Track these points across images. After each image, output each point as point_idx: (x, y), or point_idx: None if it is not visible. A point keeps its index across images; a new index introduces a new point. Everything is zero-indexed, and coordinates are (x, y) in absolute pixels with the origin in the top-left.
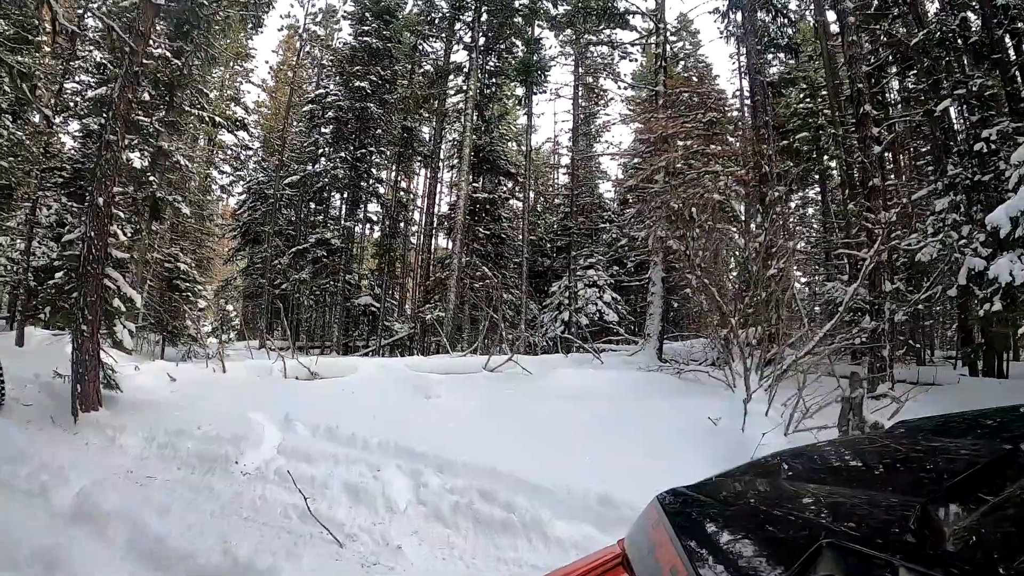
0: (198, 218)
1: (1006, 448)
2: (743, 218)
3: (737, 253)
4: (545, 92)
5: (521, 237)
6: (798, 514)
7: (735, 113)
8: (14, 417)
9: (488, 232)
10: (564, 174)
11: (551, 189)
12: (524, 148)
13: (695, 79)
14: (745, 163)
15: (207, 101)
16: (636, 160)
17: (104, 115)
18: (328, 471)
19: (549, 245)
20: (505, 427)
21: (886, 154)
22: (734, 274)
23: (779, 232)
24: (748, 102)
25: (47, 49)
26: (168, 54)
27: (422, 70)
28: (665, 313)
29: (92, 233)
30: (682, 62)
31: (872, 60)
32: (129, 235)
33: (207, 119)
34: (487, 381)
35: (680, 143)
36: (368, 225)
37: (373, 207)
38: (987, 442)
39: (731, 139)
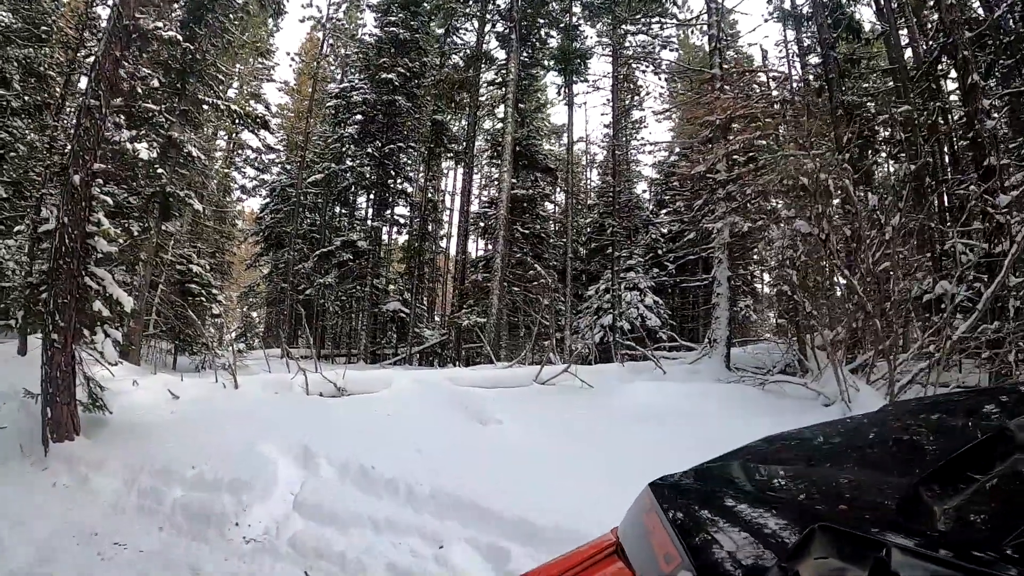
0: (217, 220)
1: (994, 428)
2: (866, 202)
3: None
4: (586, 81)
5: (565, 237)
6: (790, 497)
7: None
8: None
9: (527, 231)
10: (599, 174)
11: (584, 189)
12: (559, 144)
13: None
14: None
15: (223, 90)
16: (678, 152)
17: (87, 76)
18: (365, 543)
19: (583, 248)
20: (589, 468)
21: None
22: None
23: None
24: (795, 85)
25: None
26: (179, 37)
27: (452, 62)
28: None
29: (66, 219)
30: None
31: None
32: (136, 232)
33: (223, 109)
34: (543, 397)
35: (753, 126)
36: (396, 227)
37: (401, 208)
38: (976, 422)
39: (804, 121)
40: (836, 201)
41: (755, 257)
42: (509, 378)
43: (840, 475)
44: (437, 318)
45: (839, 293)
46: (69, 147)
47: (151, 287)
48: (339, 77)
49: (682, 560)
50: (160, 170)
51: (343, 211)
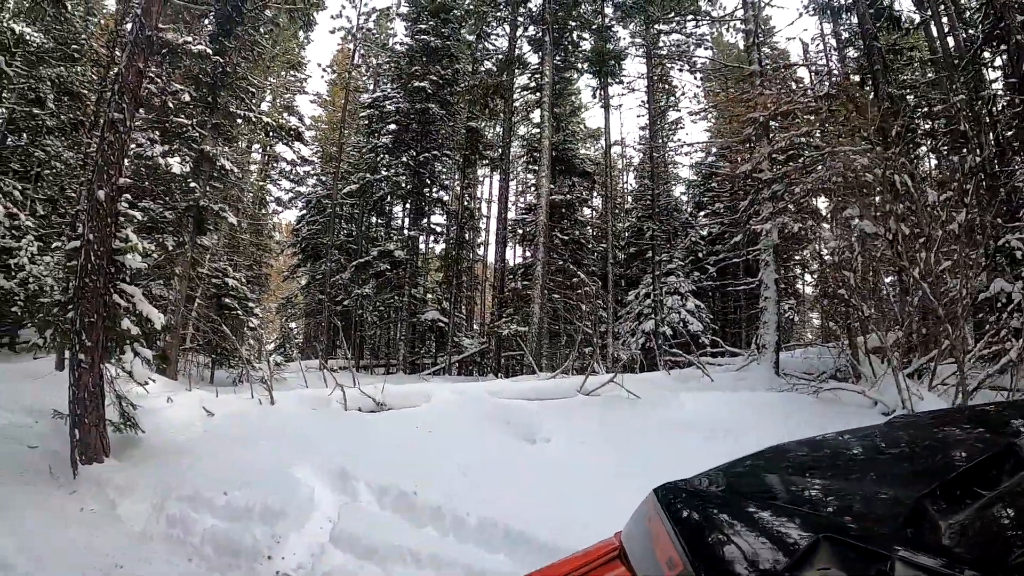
0: (253, 233)
1: (1003, 443)
2: (926, 197)
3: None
4: (621, 83)
5: (604, 242)
6: (795, 507)
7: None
8: (6, 465)
9: (566, 237)
10: (635, 177)
11: (620, 193)
12: (595, 148)
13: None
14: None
15: (256, 103)
16: (716, 152)
17: (110, 89)
18: None
19: (621, 252)
20: (644, 489)
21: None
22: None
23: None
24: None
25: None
26: (209, 51)
27: (484, 68)
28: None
29: (91, 236)
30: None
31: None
32: (171, 247)
33: (255, 121)
34: (589, 410)
35: (797, 122)
36: (432, 236)
37: (437, 217)
38: (984, 437)
39: (850, 116)
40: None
41: (796, 258)
42: (552, 389)
43: (847, 485)
44: (476, 327)
45: (894, 295)
46: (94, 158)
47: (187, 301)
48: (371, 87)
49: (685, 566)
50: (193, 184)
51: (379, 221)
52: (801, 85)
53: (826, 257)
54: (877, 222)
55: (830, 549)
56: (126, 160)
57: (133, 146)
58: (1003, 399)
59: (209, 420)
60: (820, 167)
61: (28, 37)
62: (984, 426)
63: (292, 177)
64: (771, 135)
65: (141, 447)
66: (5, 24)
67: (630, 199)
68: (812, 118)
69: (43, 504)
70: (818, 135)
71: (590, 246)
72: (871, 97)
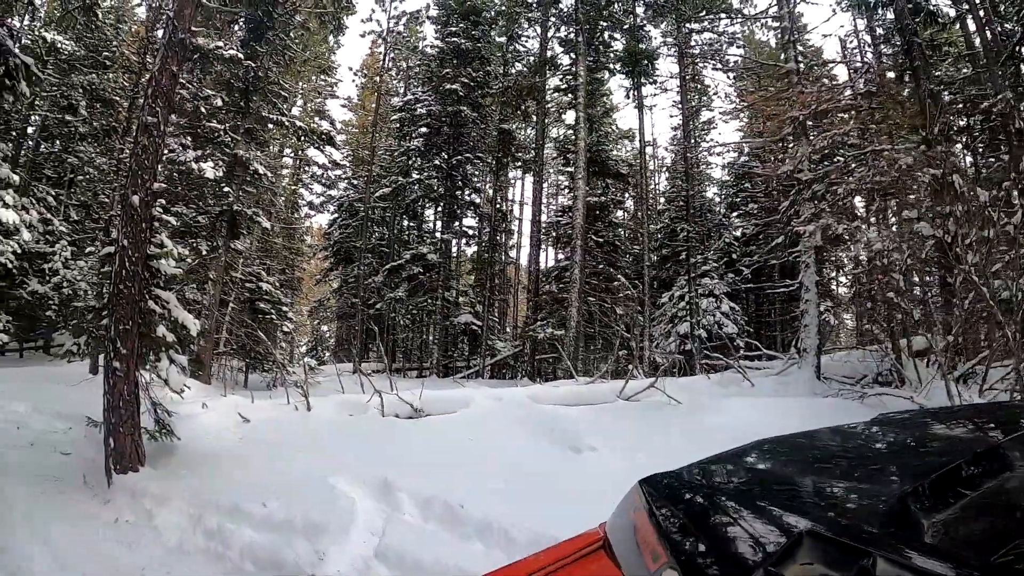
0: (286, 237)
1: (986, 444)
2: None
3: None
4: (654, 83)
5: (639, 243)
6: (779, 502)
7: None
8: (40, 473)
9: (601, 239)
10: (667, 178)
11: (653, 195)
12: (627, 149)
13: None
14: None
15: (287, 108)
16: (749, 152)
17: (143, 93)
18: None
19: (653, 254)
20: None
21: None
22: None
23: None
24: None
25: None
26: (240, 56)
27: (516, 70)
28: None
29: (125, 241)
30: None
31: None
32: (204, 252)
33: (288, 125)
34: (632, 416)
35: (837, 121)
36: (465, 239)
37: (470, 219)
38: (968, 437)
39: (891, 113)
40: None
41: (831, 260)
42: (591, 394)
43: (831, 482)
44: (508, 330)
45: (935, 297)
46: (127, 163)
47: (221, 305)
48: (402, 90)
49: (668, 559)
50: (227, 188)
51: (411, 224)
52: (840, 83)
53: (865, 258)
54: (935, 225)
55: (813, 544)
56: (159, 165)
57: (166, 151)
58: None
59: (245, 426)
60: (862, 167)
61: (60, 45)
62: (969, 426)
63: (324, 181)
64: (809, 134)
65: (176, 455)
66: (37, 32)
67: (662, 200)
68: (851, 116)
69: (76, 514)
70: (855, 134)
71: (623, 248)
72: (909, 94)
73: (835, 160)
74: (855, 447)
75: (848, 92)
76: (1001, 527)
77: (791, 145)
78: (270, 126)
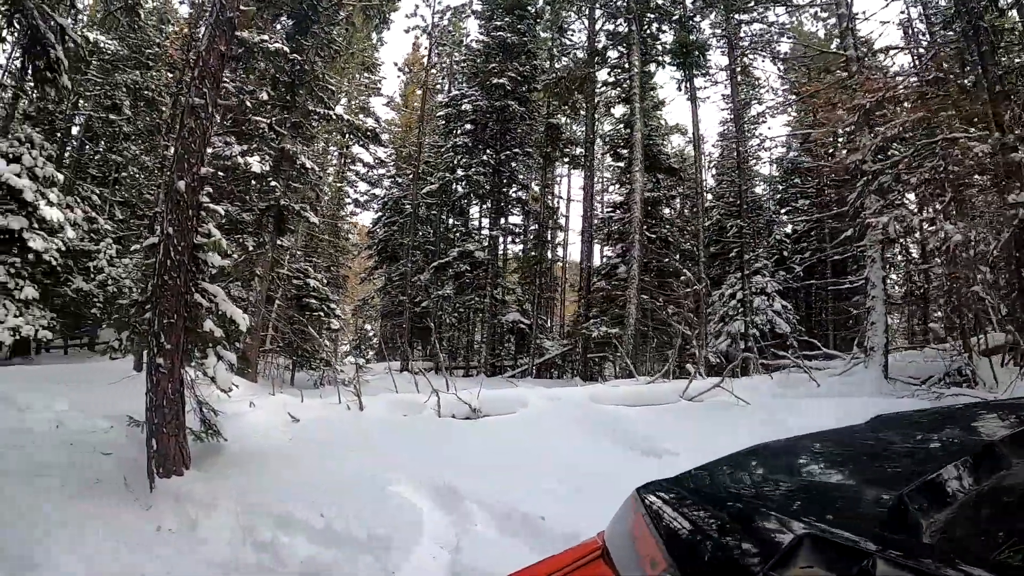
0: (331, 232)
1: (983, 443)
2: None
3: None
4: (705, 75)
5: (694, 240)
6: (777, 505)
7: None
8: (78, 475)
9: (653, 235)
10: (715, 173)
11: (700, 190)
12: (674, 145)
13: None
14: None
15: (333, 103)
16: (799, 146)
17: (189, 74)
18: None
19: (702, 251)
20: None
21: None
22: None
23: None
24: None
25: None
26: (286, 49)
27: (563, 63)
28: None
29: (171, 229)
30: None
31: None
32: (251, 248)
33: (335, 119)
34: (701, 417)
35: (901, 109)
36: (512, 236)
37: (517, 216)
38: (964, 436)
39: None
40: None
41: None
42: (652, 394)
43: (829, 484)
44: (555, 328)
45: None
46: (172, 151)
47: (267, 302)
48: (445, 87)
49: (667, 565)
50: (273, 183)
51: (457, 222)
52: (905, 70)
53: (938, 251)
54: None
55: (812, 547)
56: (207, 149)
57: (210, 149)
58: None
59: (294, 426)
60: (932, 156)
61: (103, 45)
62: (965, 426)
63: (368, 179)
64: (872, 123)
65: (223, 456)
66: (80, 32)
67: (709, 196)
68: (917, 104)
69: (116, 520)
70: (912, 123)
71: (675, 244)
72: (975, 80)
73: (890, 152)
74: (853, 448)
75: (915, 79)
76: (999, 525)
77: (853, 135)
78: (316, 121)
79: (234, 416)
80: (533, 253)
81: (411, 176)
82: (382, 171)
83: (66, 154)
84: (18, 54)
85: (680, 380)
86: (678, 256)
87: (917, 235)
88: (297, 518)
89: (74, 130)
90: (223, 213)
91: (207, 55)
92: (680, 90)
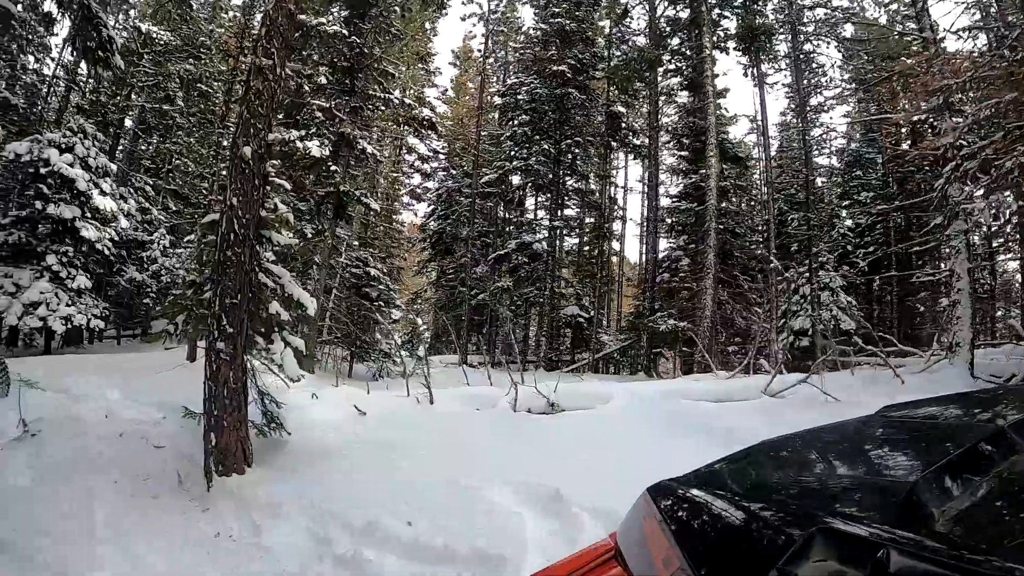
0: (386, 222)
1: (993, 430)
2: None
3: None
4: (772, 60)
5: (765, 231)
6: (789, 500)
7: None
8: (128, 469)
9: (721, 226)
10: (774, 165)
11: (758, 183)
12: (735, 135)
13: None
14: None
15: (393, 86)
16: (858, 140)
17: (257, 33)
18: None
19: (762, 245)
20: None
21: None
22: None
23: None
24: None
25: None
26: (344, 32)
27: (622, 51)
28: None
29: (235, 200)
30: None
31: None
32: (310, 235)
33: (395, 103)
34: (783, 413)
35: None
36: (571, 228)
37: (575, 208)
38: (973, 424)
39: None
40: None
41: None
42: (732, 390)
43: (840, 476)
44: (612, 322)
45: None
46: (236, 116)
47: (325, 292)
48: (499, 77)
49: (680, 564)
50: (334, 168)
51: (512, 214)
52: (992, 50)
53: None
54: None
55: (825, 540)
56: (276, 114)
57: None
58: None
59: (361, 421)
60: None
61: (155, 35)
62: (975, 413)
63: (422, 171)
64: (952, 107)
65: (287, 453)
66: (132, 23)
67: (765, 189)
68: (1004, 84)
69: (170, 524)
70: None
71: (743, 235)
72: None
73: (971, 139)
74: (863, 440)
75: (1004, 57)
76: (1011, 512)
77: (931, 120)
78: (375, 107)
79: (296, 409)
80: (591, 245)
81: (466, 169)
82: (434, 165)
83: (120, 146)
84: (70, 49)
85: (760, 375)
86: (743, 248)
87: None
88: (382, 527)
89: (127, 122)
90: (289, 188)
91: (275, 13)
92: (746, 76)
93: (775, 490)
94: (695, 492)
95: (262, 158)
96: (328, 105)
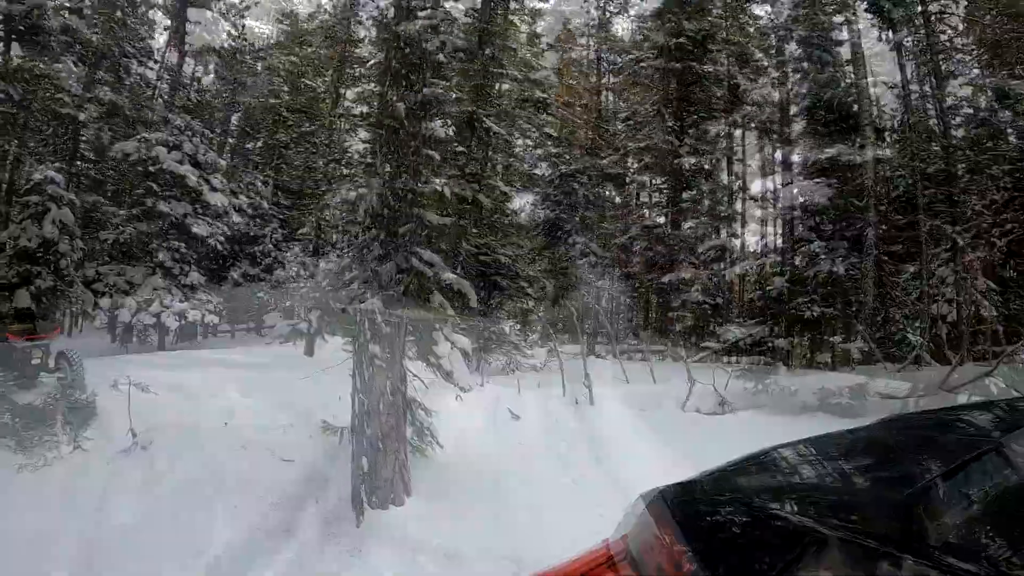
0: (503, 203)
1: (990, 443)
2: None
3: None
4: (910, 17)
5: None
6: (797, 506)
7: None
8: (258, 491)
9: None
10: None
11: (913, 153)
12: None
13: None
14: None
15: (513, 66)
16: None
17: None
18: None
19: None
20: None
21: None
22: None
23: None
24: None
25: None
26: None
27: (741, 19)
28: None
29: (388, 167)
30: None
31: None
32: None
33: (520, 79)
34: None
35: None
36: (691, 211)
37: (694, 190)
38: (972, 437)
39: None
40: None
41: None
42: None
43: (845, 486)
44: (735, 310)
45: None
46: (381, 63)
47: None
48: (606, 58)
49: (693, 568)
50: (460, 149)
51: (629, 195)
52: None
53: None
54: None
55: (832, 548)
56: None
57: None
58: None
59: (515, 424)
60: None
61: (256, 29)
62: (975, 426)
63: (533, 156)
64: None
65: (442, 472)
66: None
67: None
68: None
69: (309, 571)
70: None
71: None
72: None
73: None
74: (868, 449)
75: None
76: (1007, 526)
77: None
78: (498, 83)
79: (444, 415)
80: (714, 227)
81: (581, 151)
82: (540, 151)
83: (228, 142)
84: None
85: (928, 368)
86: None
87: None
88: None
89: (233, 119)
90: (438, 159)
91: None
92: (880, 40)
93: (783, 496)
94: (701, 497)
95: (417, 117)
96: (449, 83)
